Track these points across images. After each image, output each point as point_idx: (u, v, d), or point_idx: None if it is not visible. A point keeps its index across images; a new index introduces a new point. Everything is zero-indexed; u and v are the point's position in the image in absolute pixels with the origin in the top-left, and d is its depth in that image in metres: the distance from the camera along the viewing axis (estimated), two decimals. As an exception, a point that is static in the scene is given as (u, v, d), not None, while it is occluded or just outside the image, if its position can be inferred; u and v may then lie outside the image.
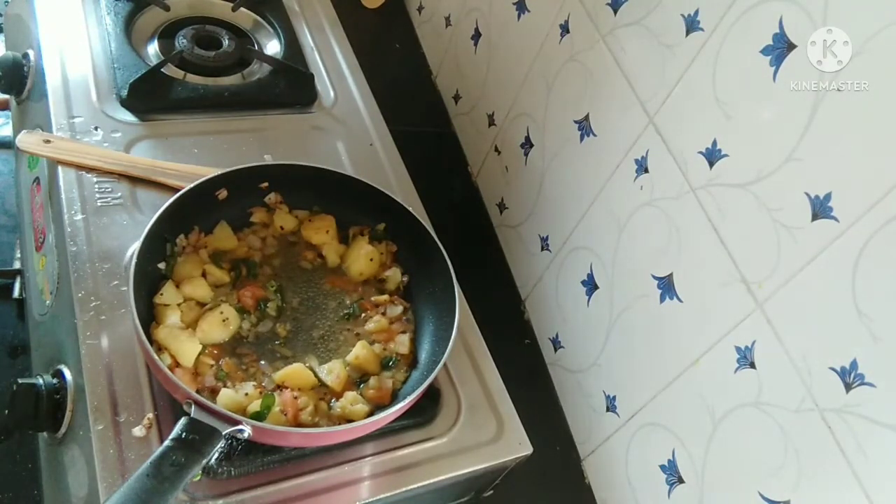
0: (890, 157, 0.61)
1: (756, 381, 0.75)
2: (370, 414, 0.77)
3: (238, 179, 0.88)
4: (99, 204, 0.87)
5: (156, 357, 0.71)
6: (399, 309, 0.88)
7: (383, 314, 0.87)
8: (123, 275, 0.81)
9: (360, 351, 0.82)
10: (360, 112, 1.12)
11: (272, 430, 0.70)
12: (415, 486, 0.78)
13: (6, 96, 1.11)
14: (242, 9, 1.16)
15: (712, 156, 0.79)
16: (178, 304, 0.79)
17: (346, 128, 1.09)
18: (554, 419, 1.07)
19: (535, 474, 0.94)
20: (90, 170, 0.89)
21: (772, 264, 0.72)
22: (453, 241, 0.91)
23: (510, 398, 0.88)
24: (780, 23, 0.69)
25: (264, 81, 1.08)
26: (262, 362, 0.80)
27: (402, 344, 0.85)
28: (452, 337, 0.79)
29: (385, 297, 0.89)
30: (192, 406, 0.68)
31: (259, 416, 0.73)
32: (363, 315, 0.87)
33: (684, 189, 0.83)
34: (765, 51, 0.71)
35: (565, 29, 1.03)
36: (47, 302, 0.85)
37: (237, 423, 0.68)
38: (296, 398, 0.76)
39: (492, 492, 0.91)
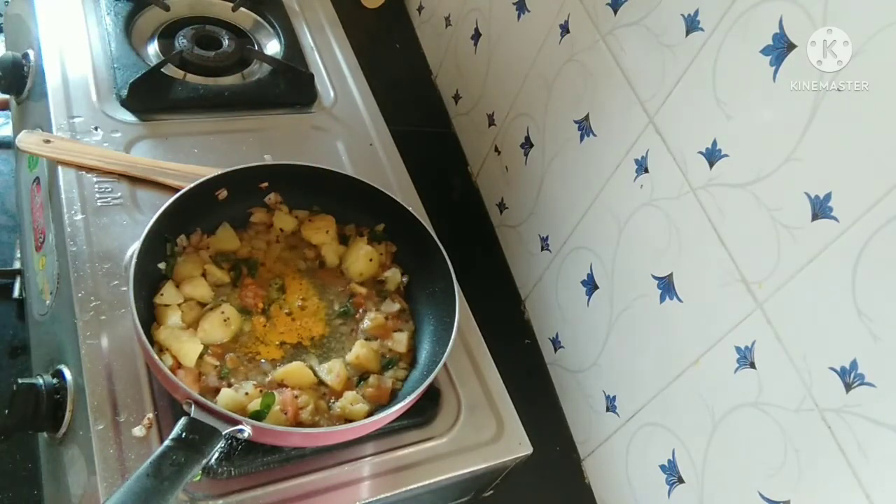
0: (890, 157, 0.61)
1: (756, 381, 0.75)
2: (370, 414, 0.77)
3: (238, 179, 0.88)
4: (99, 204, 0.87)
5: (156, 357, 0.71)
6: (396, 306, 0.88)
7: (378, 310, 0.87)
8: (123, 275, 0.81)
9: (359, 350, 0.82)
10: (360, 112, 1.12)
11: (272, 429, 0.70)
12: (415, 486, 0.78)
13: (6, 96, 1.11)
14: (242, 9, 1.16)
15: (712, 156, 0.79)
16: (179, 305, 0.79)
17: (346, 128, 1.09)
18: (554, 419, 1.07)
19: (535, 474, 0.94)
20: (90, 170, 0.89)
21: (772, 264, 0.72)
22: (453, 241, 0.91)
23: (510, 398, 0.88)
24: (780, 23, 0.69)
25: (264, 81, 1.08)
26: (263, 361, 0.80)
27: (399, 342, 0.85)
28: (452, 337, 0.79)
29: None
30: (192, 406, 0.68)
31: (259, 414, 0.73)
32: (359, 313, 0.87)
33: (684, 189, 0.83)
34: (765, 51, 0.71)
35: (565, 29, 1.03)
36: (47, 302, 0.85)
37: (237, 422, 0.68)
38: (296, 397, 0.76)
39: (492, 492, 0.91)
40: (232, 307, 0.81)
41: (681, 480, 0.85)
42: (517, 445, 0.84)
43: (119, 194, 0.89)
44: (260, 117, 1.05)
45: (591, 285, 1.01)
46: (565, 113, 1.03)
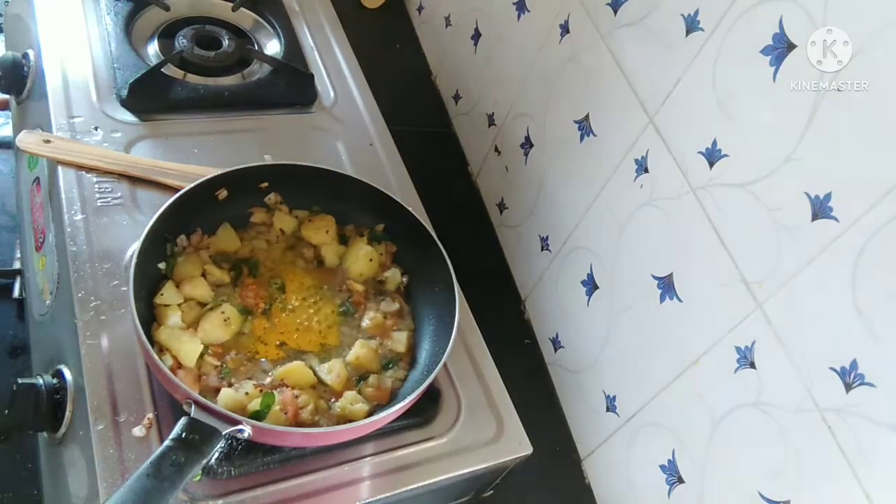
0: (890, 157, 0.61)
1: (756, 381, 0.75)
2: (370, 414, 0.77)
3: (238, 179, 0.88)
4: (99, 204, 0.87)
5: (155, 357, 0.71)
6: (395, 306, 0.88)
7: (378, 310, 0.87)
8: (123, 275, 0.81)
9: (359, 350, 0.82)
10: (360, 112, 1.12)
11: (272, 429, 0.70)
12: (415, 486, 0.78)
13: (6, 96, 1.11)
14: (242, 9, 1.16)
15: (712, 156, 0.79)
16: (179, 305, 0.79)
17: (346, 128, 1.09)
18: (554, 419, 1.07)
19: (535, 474, 0.94)
20: (90, 170, 0.89)
21: (772, 264, 0.72)
22: (453, 241, 0.91)
23: (510, 398, 0.88)
24: (780, 23, 0.69)
25: (264, 81, 1.08)
26: (263, 361, 0.80)
27: (398, 342, 0.85)
28: (452, 337, 0.79)
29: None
30: (192, 406, 0.68)
31: (259, 414, 0.73)
32: (359, 312, 0.87)
33: (684, 189, 0.83)
34: (765, 51, 0.71)
35: (565, 29, 1.03)
36: (47, 302, 0.85)
37: (237, 422, 0.68)
38: (296, 397, 0.76)
39: (492, 492, 0.91)
40: (232, 307, 0.81)
41: (681, 480, 0.85)
42: (517, 445, 0.84)
43: (119, 194, 0.89)
44: (260, 117, 1.05)
45: (591, 285, 1.01)
46: (565, 113, 1.03)
